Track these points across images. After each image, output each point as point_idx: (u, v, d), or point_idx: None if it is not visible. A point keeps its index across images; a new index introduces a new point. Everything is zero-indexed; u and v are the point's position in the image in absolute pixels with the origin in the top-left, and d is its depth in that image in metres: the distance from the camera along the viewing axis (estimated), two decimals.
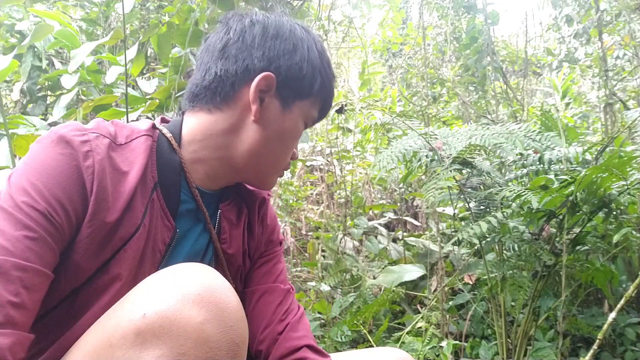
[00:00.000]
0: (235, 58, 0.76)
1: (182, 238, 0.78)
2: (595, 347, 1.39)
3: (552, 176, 1.68)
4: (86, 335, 0.54)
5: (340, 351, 1.96)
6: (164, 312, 0.51)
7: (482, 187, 1.80)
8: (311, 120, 0.84)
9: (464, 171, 1.83)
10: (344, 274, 2.64)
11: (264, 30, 0.77)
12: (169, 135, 0.77)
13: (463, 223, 2.11)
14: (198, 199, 0.79)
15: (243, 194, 0.89)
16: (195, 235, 0.81)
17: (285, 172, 0.88)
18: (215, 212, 0.83)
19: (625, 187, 1.48)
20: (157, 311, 0.51)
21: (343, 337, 1.95)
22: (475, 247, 2.09)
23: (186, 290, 0.53)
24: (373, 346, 1.98)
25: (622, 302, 1.41)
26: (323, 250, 2.88)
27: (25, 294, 0.56)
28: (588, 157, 1.75)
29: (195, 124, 0.78)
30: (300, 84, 0.78)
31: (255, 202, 0.90)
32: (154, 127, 0.78)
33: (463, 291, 2.36)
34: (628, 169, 1.43)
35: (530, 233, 1.70)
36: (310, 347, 0.82)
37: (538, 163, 1.80)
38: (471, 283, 2.40)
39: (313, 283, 2.56)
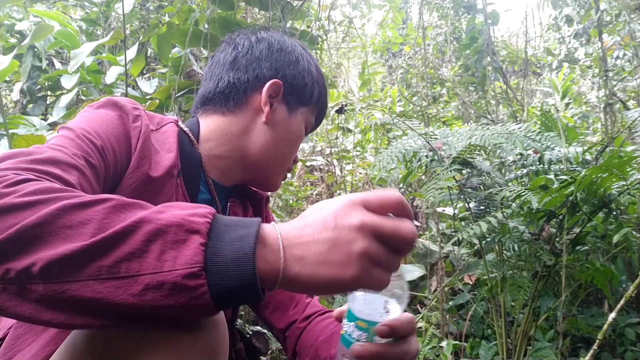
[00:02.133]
0: (246, 68, 0.86)
1: None
2: (595, 347, 1.39)
3: (552, 176, 1.68)
4: (57, 352, 0.53)
5: None
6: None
7: (482, 187, 1.80)
8: (310, 126, 0.94)
9: (464, 171, 1.82)
10: None
11: (269, 45, 0.89)
12: (188, 131, 0.85)
13: (463, 223, 2.11)
14: (213, 190, 0.86)
15: (248, 193, 0.98)
16: None
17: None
18: (226, 206, 0.91)
19: (625, 187, 1.48)
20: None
21: None
22: (475, 247, 2.09)
23: None
24: None
25: (622, 302, 1.41)
26: None
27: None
28: (588, 157, 1.75)
29: (211, 124, 0.87)
30: (303, 92, 0.89)
31: (261, 200, 0.99)
32: (175, 122, 0.85)
33: (463, 291, 2.36)
34: (628, 169, 1.43)
35: (530, 233, 1.70)
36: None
37: (538, 163, 1.80)
38: (471, 283, 2.40)
39: None
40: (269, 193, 1.05)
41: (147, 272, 0.43)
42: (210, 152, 0.85)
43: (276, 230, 0.49)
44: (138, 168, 0.71)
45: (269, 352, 1.94)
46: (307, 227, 0.49)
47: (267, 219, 1.02)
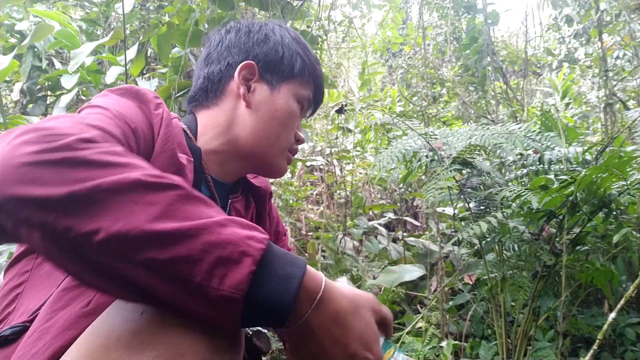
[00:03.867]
0: (218, 60, 0.87)
1: None
2: (595, 347, 1.39)
3: (552, 176, 1.68)
4: (80, 339, 0.52)
5: None
6: (161, 311, 0.50)
7: (482, 187, 1.80)
8: (306, 101, 0.90)
9: (464, 171, 1.82)
10: (344, 274, 2.64)
11: (237, 32, 0.88)
12: (186, 128, 0.85)
13: (463, 223, 2.11)
14: (212, 188, 0.85)
15: (251, 189, 0.97)
16: None
17: (288, 169, 0.93)
18: (226, 203, 0.89)
19: (625, 187, 1.48)
20: (154, 310, 0.50)
21: None
22: (475, 247, 2.09)
23: None
24: None
25: (622, 302, 1.41)
26: (323, 251, 2.88)
27: None
28: (588, 157, 1.75)
29: (202, 120, 0.87)
30: (280, 66, 0.86)
31: (264, 196, 0.98)
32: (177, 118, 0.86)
33: (463, 291, 2.36)
34: (628, 169, 1.43)
35: (530, 233, 1.70)
36: None
37: (538, 163, 1.80)
38: (471, 283, 2.40)
39: None
40: (272, 188, 1.04)
41: (195, 280, 0.45)
42: (207, 147, 0.85)
43: (322, 280, 0.53)
44: (163, 152, 0.71)
45: (269, 351, 1.94)
46: (352, 301, 0.55)
47: (269, 214, 1.01)
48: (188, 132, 0.84)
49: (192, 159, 0.77)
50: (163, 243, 0.45)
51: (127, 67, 1.86)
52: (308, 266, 0.52)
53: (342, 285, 0.57)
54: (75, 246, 0.45)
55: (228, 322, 0.47)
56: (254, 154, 0.86)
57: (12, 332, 0.61)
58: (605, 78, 3.59)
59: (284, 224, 1.10)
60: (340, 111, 2.95)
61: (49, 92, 2.82)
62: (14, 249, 0.83)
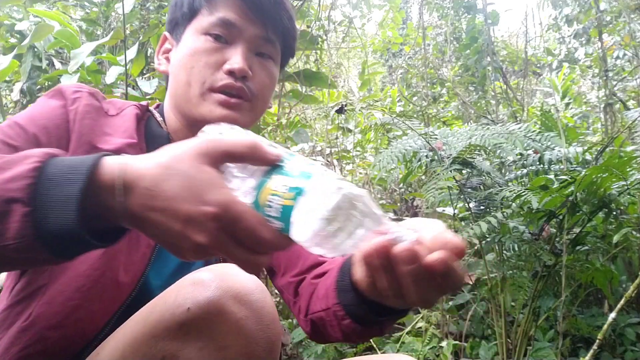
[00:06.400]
0: None
1: None
2: (595, 347, 1.39)
3: (552, 176, 1.68)
4: (125, 326, 0.57)
5: (341, 352, 1.96)
6: (208, 307, 0.53)
7: (482, 187, 1.80)
8: (219, 25, 0.78)
9: (464, 171, 1.83)
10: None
11: None
12: (154, 111, 0.85)
13: (463, 223, 2.11)
14: None
15: None
16: None
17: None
18: None
19: (625, 187, 1.48)
20: (201, 306, 0.53)
21: None
22: (475, 247, 2.09)
23: (228, 288, 0.56)
24: (373, 346, 1.98)
25: (622, 302, 1.41)
26: None
27: None
28: (588, 157, 1.75)
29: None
30: (177, 16, 0.83)
31: None
32: (147, 108, 0.85)
33: (463, 291, 2.36)
34: (628, 169, 1.43)
35: (530, 233, 1.70)
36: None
37: (538, 163, 1.80)
38: (471, 283, 2.39)
39: None
40: None
41: None
42: (175, 128, 0.83)
43: (117, 170, 0.45)
44: (79, 147, 0.72)
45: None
46: (165, 182, 0.45)
47: None
48: (156, 115, 0.83)
49: (135, 141, 0.75)
50: None
51: (127, 67, 1.87)
52: (93, 168, 0.45)
53: (182, 145, 0.48)
54: None
55: (46, 261, 0.46)
56: (187, 116, 0.80)
57: None
58: (605, 78, 3.59)
59: None
60: (340, 111, 2.95)
61: None
62: None
